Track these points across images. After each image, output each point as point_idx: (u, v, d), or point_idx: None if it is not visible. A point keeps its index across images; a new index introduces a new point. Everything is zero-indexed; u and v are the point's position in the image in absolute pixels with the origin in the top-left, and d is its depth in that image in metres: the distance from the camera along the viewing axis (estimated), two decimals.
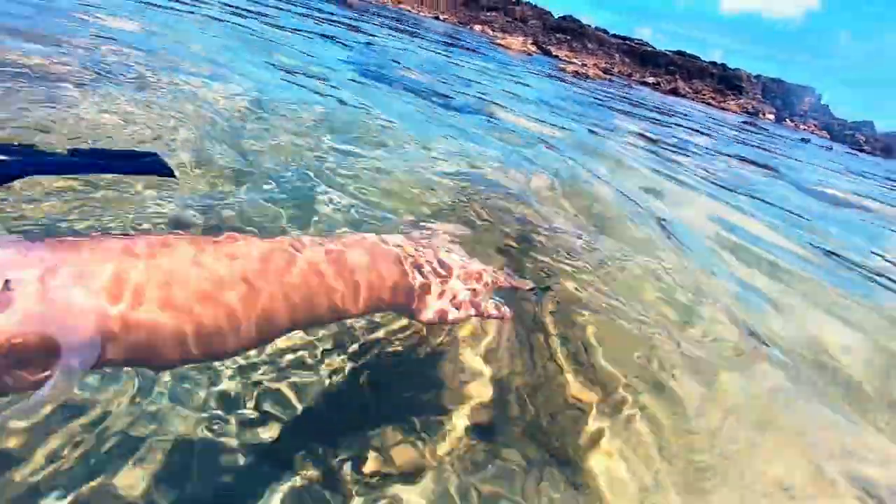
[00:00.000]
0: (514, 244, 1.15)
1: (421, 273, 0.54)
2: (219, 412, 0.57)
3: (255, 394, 0.61)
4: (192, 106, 1.48)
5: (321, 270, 0.44)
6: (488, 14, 58.14)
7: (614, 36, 61.10)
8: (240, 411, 0.59)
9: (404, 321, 0.79)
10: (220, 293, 0.37)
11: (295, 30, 4.60)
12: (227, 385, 0.61)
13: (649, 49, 60.68)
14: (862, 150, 18.30)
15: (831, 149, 10.30)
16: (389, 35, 7.27)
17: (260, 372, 0.64)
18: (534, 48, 19.39)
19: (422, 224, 0.62)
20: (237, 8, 4.85)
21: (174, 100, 1.49)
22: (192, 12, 3.72)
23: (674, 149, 3.98)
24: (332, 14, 8.11)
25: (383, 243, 0.54)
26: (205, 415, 0.56)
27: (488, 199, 1.40)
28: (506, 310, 0.60)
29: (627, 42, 60.17)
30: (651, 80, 21.89)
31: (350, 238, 0.52)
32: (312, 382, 0.65)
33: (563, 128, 3.30)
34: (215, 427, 0.55)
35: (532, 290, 0.97)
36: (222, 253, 0.39)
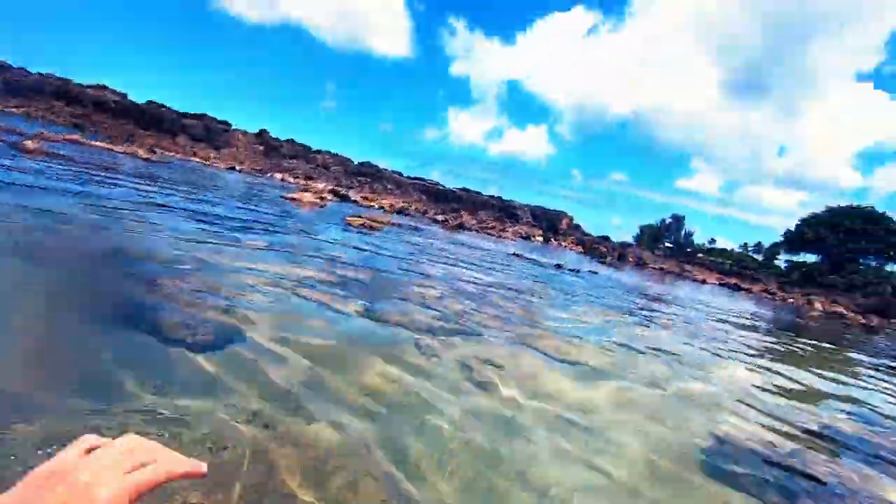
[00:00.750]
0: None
1: None
2: None
3: None
4: None
5: None
6: (290, 161, 60.64)
7: (409, 178, 69.21)
8: None
9: None
10: None
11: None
12: None
13: (440, 188, 70.00)
14: (604, 262, 22.84)
15: (578, 271, 12.48)
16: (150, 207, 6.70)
17: None
18: (330, 196, 20.44)
19: None
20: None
21: None
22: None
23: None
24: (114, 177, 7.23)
25: None
26: None
27: None
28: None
29: (421, 182, 68.53)
30: (440, 217, 24.86)
31: None
32: None
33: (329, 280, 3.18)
34: None
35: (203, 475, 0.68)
36: None
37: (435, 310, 4.57)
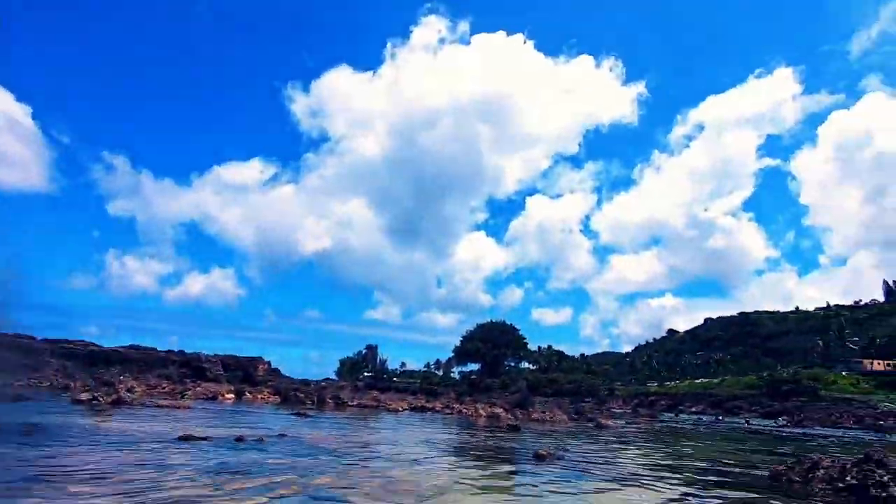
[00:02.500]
0: None
1: None
2: None
3: None
4: None
5: None
6: None
7: (45, 341, 53.00)
8: None
9: None
10: None
11: None
12: None
13: (96, 348, 55.91)
14: (302, 414, 21.82)
15: (262, 441, 11.31)
16: None
17: None
18: None
19: None
20: None
21: None
22: None
23: None
24: None
25: None
26: None
27: None
28: None
29: (64, 345, 53.37)
30: (84, 396, 19.12)
31: None
32: None
33: None
34: None
35: None
36: None
37: None
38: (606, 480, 9.31)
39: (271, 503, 6.10)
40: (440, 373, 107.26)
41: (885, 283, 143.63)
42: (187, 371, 51.75)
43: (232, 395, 31.31)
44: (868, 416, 46.59)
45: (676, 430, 30.05)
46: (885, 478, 7.82)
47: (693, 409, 64.16)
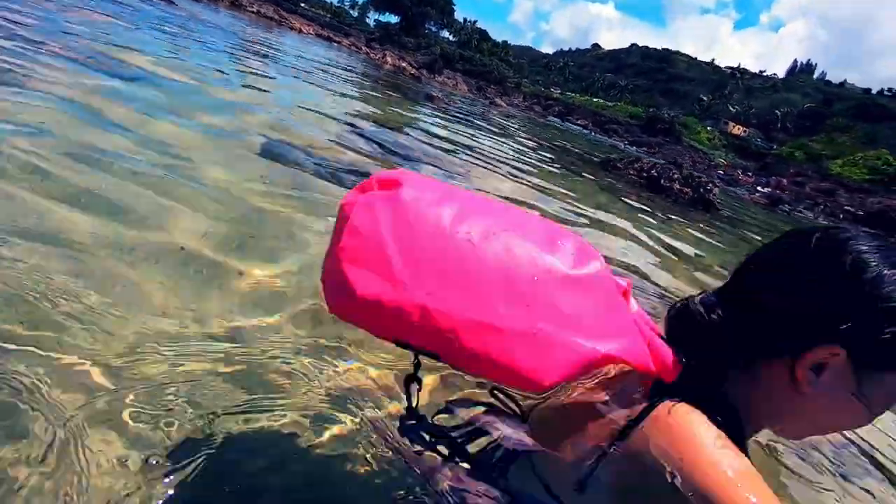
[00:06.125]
0: None
1: None
2: None
3: None
4: None
5: None
6: None
7: None
8: None
9: None
10: None
11: None
12: None
13: None
14: None
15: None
16: None
17: None
18: None
19: None
20: None
21: None
22: None
23: None
24: None
25: None
26: None
27: None
28: None
29: None
30: None
31: None
32: None
33: None
34: None
35: None
36: None
37: None
38: (478, 128, 10.81)
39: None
40: (355, 13, 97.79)
41: (795, 60, 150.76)
42: None
43: None
44: (701, 164, 56.35)
45: (555, 128, 33.67)
46: (676, 176, 10.31)
47: (579, 122, 70.52)
